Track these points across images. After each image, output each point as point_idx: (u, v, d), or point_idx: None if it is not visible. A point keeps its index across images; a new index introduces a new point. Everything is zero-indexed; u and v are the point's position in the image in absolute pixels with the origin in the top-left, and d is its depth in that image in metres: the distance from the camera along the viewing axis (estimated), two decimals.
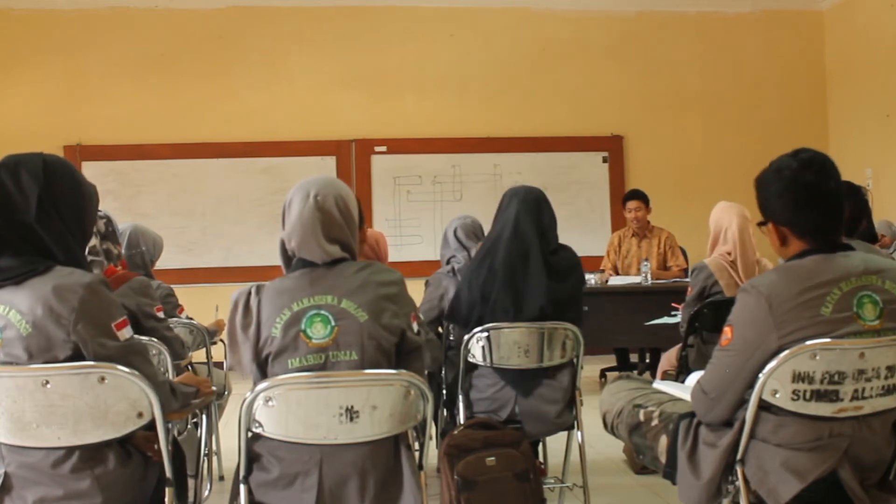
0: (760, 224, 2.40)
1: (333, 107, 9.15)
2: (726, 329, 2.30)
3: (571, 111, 9.44)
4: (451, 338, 3.76)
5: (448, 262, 4.25)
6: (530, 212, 3.52)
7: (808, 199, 2.26)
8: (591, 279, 6.39)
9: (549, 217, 3.57)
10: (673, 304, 5.21)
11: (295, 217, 2.32)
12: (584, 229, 7.40)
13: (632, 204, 7.19)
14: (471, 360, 3.50)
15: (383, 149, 9.21)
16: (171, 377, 3.07)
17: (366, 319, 2.25)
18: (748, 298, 2.24)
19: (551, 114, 9.40)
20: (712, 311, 4.04)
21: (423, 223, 9.23)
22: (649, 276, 6.68)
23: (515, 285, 3.44)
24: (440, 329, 4.05)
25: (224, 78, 9.07)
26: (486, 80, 9.36)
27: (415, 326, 2.37)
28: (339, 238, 2.34)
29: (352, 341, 2.24)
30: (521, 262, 3.45)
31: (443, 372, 3.78)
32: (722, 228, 4.27)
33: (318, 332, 2.23)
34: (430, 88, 9.31)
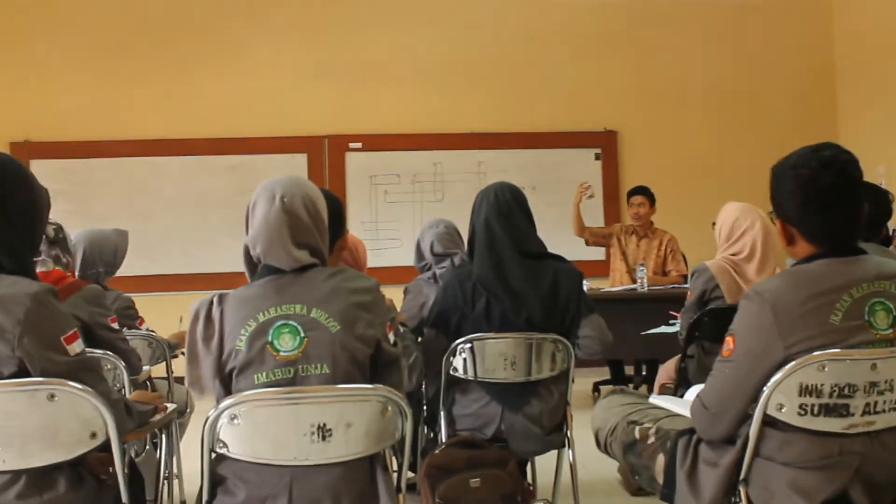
0: (770, 213, 2.40)
1: (304, 100, 9.13)
2: (728, 338, 2.31)
3: (562, 104, 9.46)
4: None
5: (429, 269, 4.25)
6: (501, 216, 3.50)
7: (822, 204, 2.25)
8: (585, 286, 6.39)
9: (524, 220, 3.56)
10: (671, 313, 5.22)
11: (260, 220, 2.32)
12: (572, 234, 7.41)
13: (635, 199, 7.28)
14: (453, 373, 3.49)
15: (358, 145, 9.20)
16: (128, 393, 3.05)
17: (338, 330, 2.25)
18: (751, 305, 2.24)
19: (540, 107, 9.41)
20: (713, 319, 4.05)
21: (401, 226, 9.22)
22: (645, 282, 6.70)
23: (494, 298, 3.43)
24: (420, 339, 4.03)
25: (186, 69, 9.04)
26: (469, 71, 9.36)
27: (391, 337, 2.38)
28: (308, 242, 2.34)
29: (323, 354, 2.24)
30: (497, 274, 3.44)
31: (423, 386, 3.77)
32: (739, 229, 4.20)
33: (287, 345, 2.23)
34: (408, 80, 9.31)
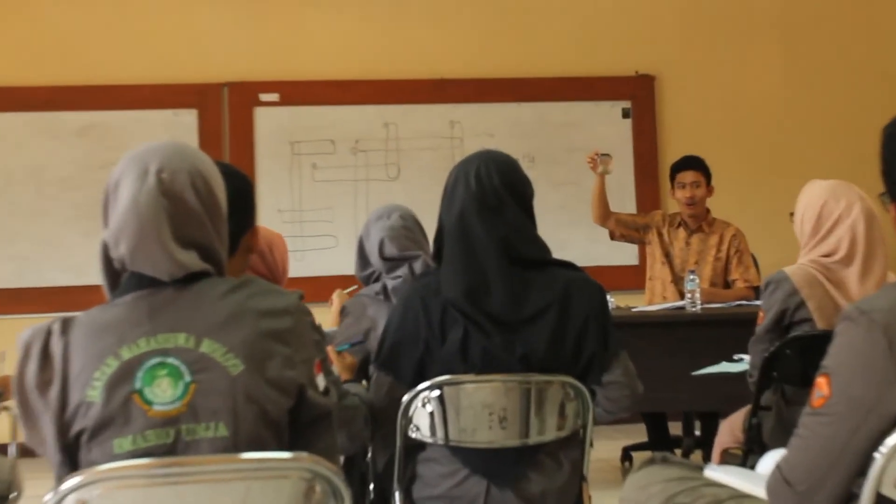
0: (882, 196, 2.40)
1: (195, 32, 9.15)
2: (820, 380, 2.31)
3: (575, 40, 9.50)
4: None
5: (377, 280, 4.24)
6: (485, 210, 3.47)
7: None
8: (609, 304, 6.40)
9: (518, 215, 3.53)
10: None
11: (126, 207, 2.30)
12: (592, 225, 7.39)
13: (685, 176, 7.16)
14: (413, 434, 3.47)
15: (273, 97, 9.21)
16: None
17: (241, 371, 2.23)
18: (855, 331, 2.24)
19: (542, 43, 9.46)
20: (798, 353, 4.06)
21: (338, 215, 9.25)
22: (698, 297, 6.68)
23: (474, 326, 3.42)
24: (364, 382, 4.02)
25: None
26: None
27: (321, 381, 2.36)
28: (198, 240, 2.34)
29: (219, 407, 2.22)
30: (479, 291, 3.42)
31: (368, 455, 3.76)
32: (830, 218, 4.19)
33: (164, 394, 2.21)
34: (348, 3, 9.31)
